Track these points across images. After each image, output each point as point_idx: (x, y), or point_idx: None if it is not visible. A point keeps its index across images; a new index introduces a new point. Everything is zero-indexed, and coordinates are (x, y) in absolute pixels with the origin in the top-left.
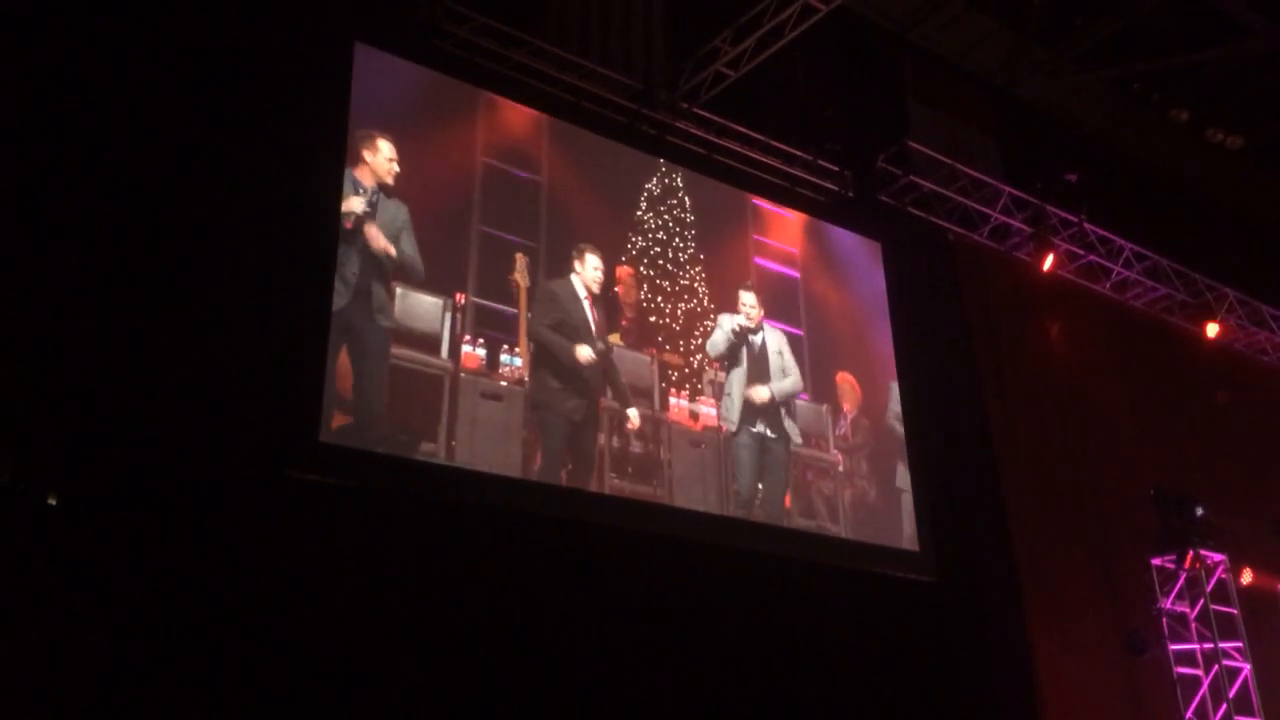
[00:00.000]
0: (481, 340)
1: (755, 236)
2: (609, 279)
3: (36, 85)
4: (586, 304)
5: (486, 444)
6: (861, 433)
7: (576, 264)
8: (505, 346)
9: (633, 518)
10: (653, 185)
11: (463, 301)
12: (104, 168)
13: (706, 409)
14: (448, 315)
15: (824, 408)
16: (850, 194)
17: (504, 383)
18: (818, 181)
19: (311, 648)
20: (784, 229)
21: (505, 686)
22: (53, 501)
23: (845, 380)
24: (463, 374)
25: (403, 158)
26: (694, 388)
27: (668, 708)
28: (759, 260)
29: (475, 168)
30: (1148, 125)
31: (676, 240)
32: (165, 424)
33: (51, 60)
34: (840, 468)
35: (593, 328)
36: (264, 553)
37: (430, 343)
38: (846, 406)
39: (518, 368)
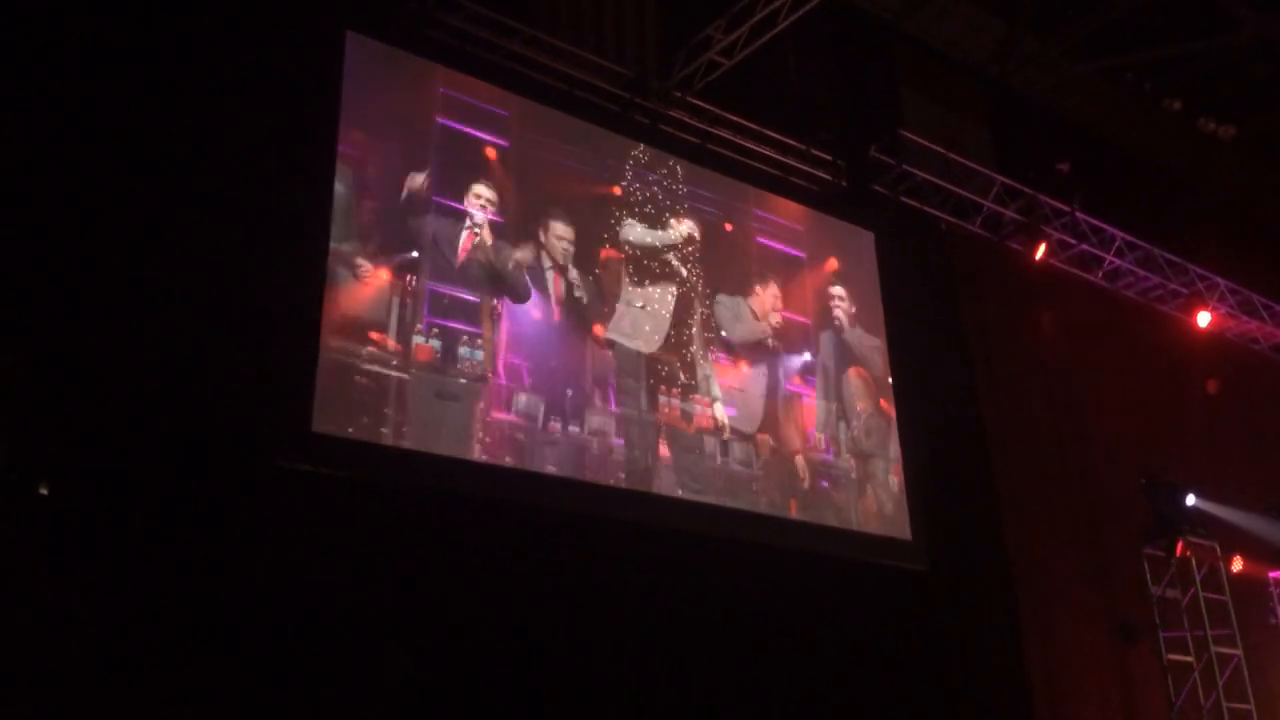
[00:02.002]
0: (436, 330)
1: (756, 211)
2: (586, 256)
3: (20, 77)
4: (550, 275)
5: (443, 452)
6: (876, 435)
7: (540, 233)
8: (465, 338)
9: (622, 507)
10: (640, 152)
11: (414, 284)
12: (91, 155)
13: (701, 408)
14: (395, 300)
15: (833, 406)
16: (843, 183)
17: (463, 380)
18: (811, 171)
19: (302, 639)
20: (788, 203)
21: (498, 676)
22: (44, 491)
23: (858, 375)
24: (413, 370)
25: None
26: (686, 385)
27: (657, 698)
28: (761, 240)
29: (431, 130)
30: (1140, 115)
31: (667, 215)
32: (156, 414)
33: (35, 52)
34: (853, 474)
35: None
36: (255, 543)
37: (374, 332)
38: (860, 405)
39: (478, 362)
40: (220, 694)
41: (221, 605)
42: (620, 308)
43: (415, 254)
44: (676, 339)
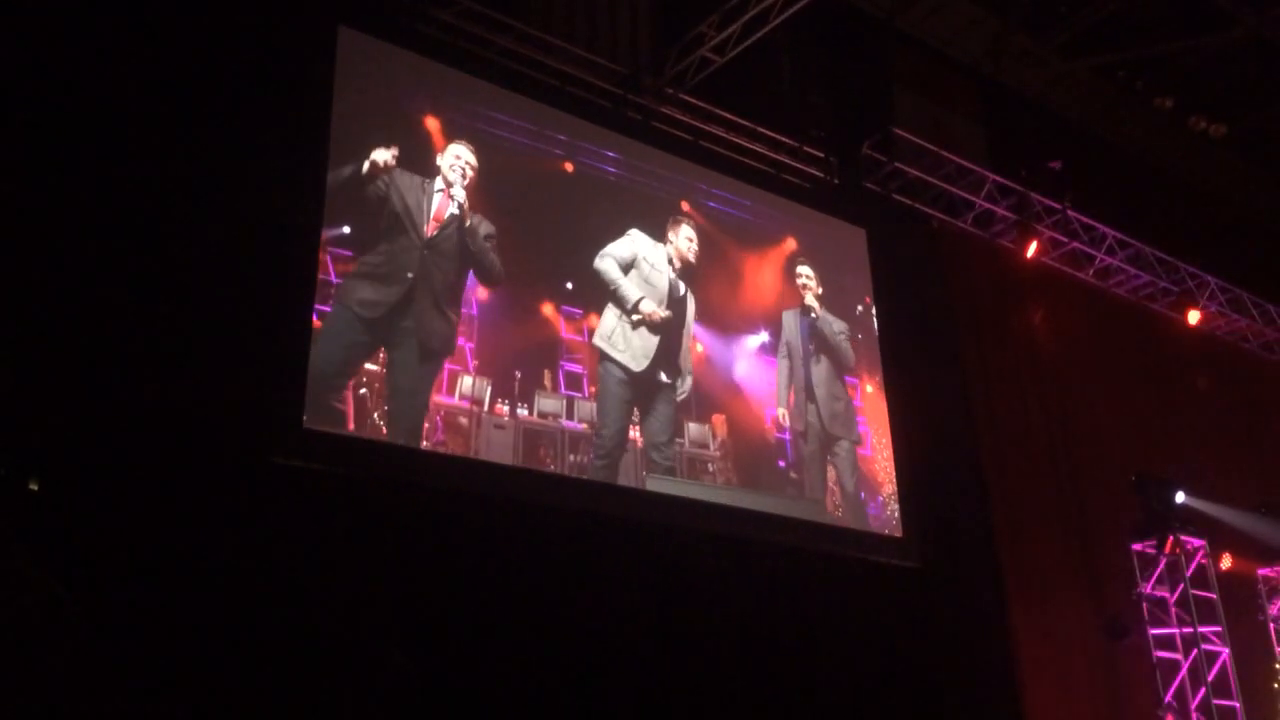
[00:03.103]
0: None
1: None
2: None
3: (14, 74)
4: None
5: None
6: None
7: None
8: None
9: (619, 504)
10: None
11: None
12: (83, 152)
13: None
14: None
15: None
16: (836, 181)
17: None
18: (803, 168)
19: (298, 635)
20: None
21: (489, 672)
22: (34, 486)
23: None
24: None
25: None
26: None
27: (646, 695)
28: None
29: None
30: (1131, 113)
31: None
32: (148, 409)
33: (28, 48)
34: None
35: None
36: (248, 538)
37: None
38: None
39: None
40: (215, 690)
41: (215, 601)
42: (610, 318)
43: (346, 229)
44: (664, 350)
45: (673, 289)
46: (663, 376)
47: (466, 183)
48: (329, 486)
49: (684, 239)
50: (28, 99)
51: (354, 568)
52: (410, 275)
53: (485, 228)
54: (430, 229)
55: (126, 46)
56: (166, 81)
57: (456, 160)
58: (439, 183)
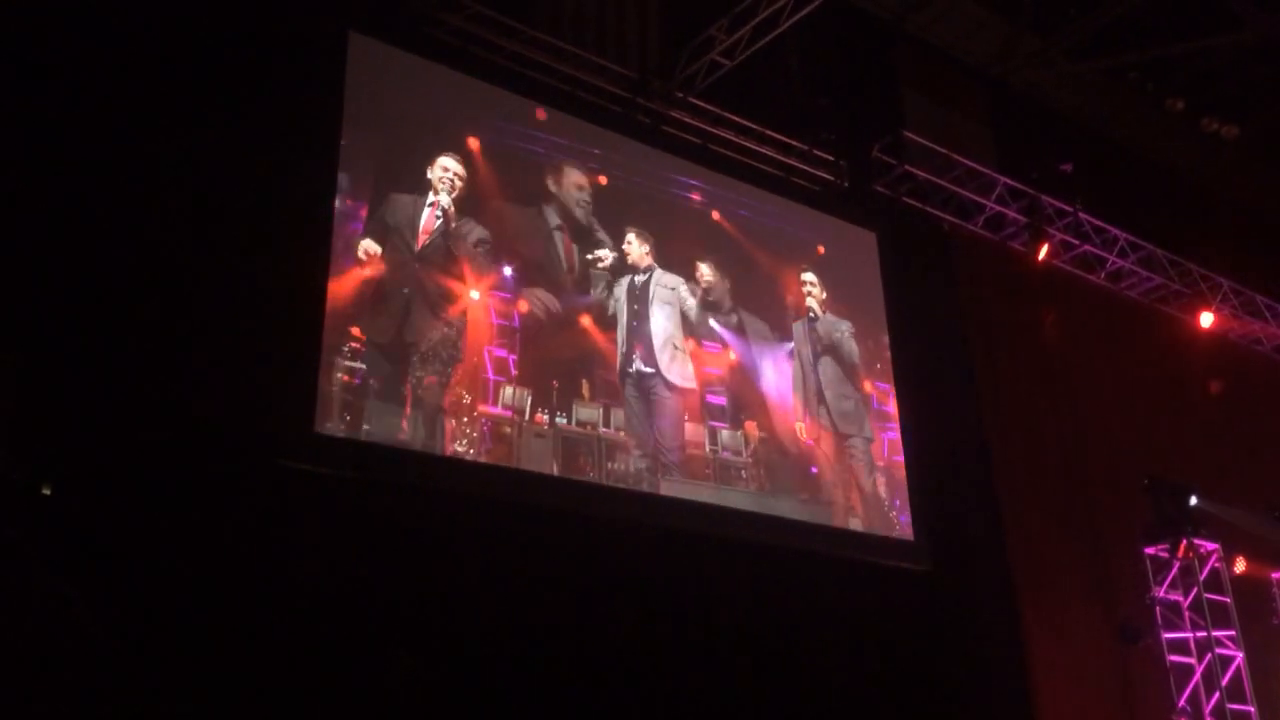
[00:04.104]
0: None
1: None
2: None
3: (22, 76)
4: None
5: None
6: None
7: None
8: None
9: (624, 508)
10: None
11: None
12: (92, 155)
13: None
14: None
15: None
16: (845, 184)
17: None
18: (813, 171)
19: (304, 638)
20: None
21: (497, 674)
22: (46, 491)
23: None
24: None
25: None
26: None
27: (656, 697)
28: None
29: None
30: (1143, 115)
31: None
32: (159, 414)
33: (37, 51)
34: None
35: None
36: (257, 542)
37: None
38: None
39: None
40: (222, 693)
41: (223, 605)
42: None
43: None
44: (629, 339)
45: (631, 289)
46: (643, 366)
47: (455, 194)
48: (336, 490)
49: (626, 244)
50: (36, 104)
51: (361, 571)
52: (406, 291)
53: (477, 233)
54: (420, 241)
55: (132, 54)
56: (176, 88)
57: (445, 172)
58: (429, 196)
